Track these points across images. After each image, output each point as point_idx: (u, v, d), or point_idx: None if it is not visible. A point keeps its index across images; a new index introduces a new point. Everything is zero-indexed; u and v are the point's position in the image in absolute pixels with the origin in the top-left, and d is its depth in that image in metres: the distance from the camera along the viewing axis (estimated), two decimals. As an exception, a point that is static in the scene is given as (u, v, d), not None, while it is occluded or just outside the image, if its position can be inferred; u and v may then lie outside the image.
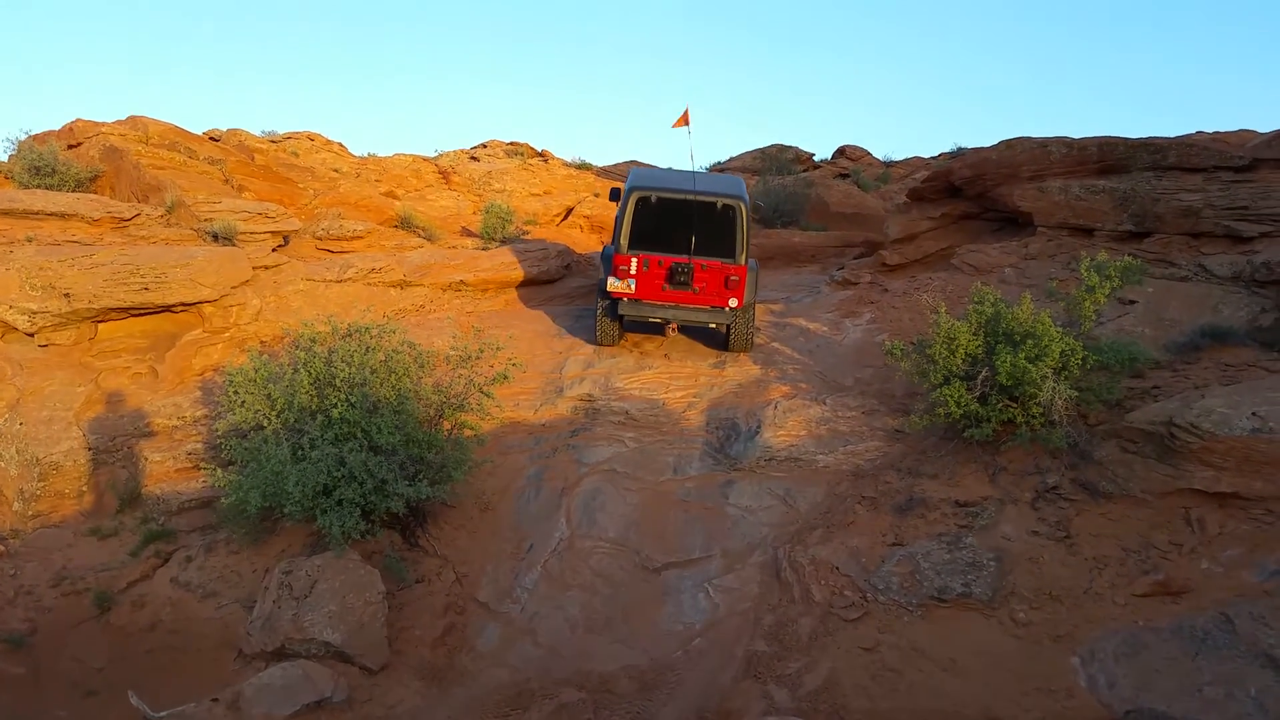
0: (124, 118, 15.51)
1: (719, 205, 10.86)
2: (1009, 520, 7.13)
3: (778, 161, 25.39)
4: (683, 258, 10.91)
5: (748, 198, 11.22)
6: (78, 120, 15.07)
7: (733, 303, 10.98)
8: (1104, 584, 6.40)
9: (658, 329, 11.87)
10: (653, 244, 10.96)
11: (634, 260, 10.91)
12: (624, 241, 10.96)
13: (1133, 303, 9.61)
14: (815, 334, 11.96)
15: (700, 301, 11.03)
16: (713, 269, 10.92)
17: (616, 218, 11.35)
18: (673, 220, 10.91)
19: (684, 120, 13.42)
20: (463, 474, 7.94)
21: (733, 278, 10.91)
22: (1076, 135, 12.19)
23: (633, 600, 7.27)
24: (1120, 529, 6.77)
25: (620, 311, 11.27)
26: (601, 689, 6.39)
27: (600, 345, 11.77)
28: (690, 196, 10.90)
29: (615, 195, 11.90)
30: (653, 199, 10.87)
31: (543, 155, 26.42)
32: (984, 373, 7.81)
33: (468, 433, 8.32)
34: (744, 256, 10.97)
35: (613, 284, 11.01)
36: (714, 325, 11.33)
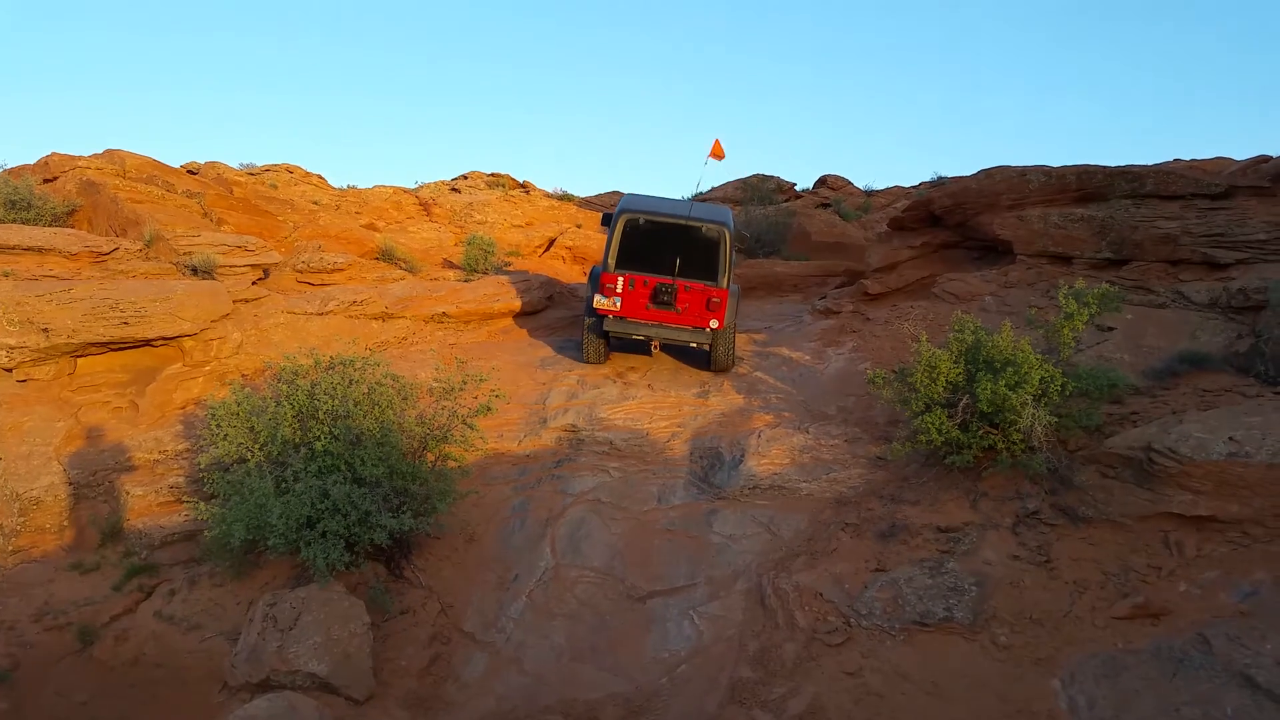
0: (100, 151, 15.56)
1: (704, 230, 11.37)
2: (990, 545, 7.18)
3: (759, 191, 25.58)
4: (667, 279, 11.37)
5: (733, 225, 11.72)
6: (53, 154, 15.09)
7: (714, 324, 11.38)
8: (1084, 607, 6.45)
9: (643, 350, 12.28)
10: (639, 265, 11.44)
11: (620, 279, 11.38)
12: (611, 260, 11.44)
13: (1111, 330, 9.71)
14: (798, 363, 12.04)
15: (683, 321, 11.47)
16: (695, 291, 11.37)
17: (607, 238, 11.77)
18: (659, 243, 11.40)
19: (717, 153, 13.67)
20: (447, 505, 7.94)
21: (714, 300, 11.35)
22: (1055, 164, 12.37)
23: (618, 628, 7.27)
24: (1100, 553, 6.83)
25: (605, 328, 11.66)
26: (588, 716, 6.39)
27: (587, 362, 12.14)
28: (677, 220, 11.43)
29: (606, 220, 12.24)
30: (641, 221, 11.43)
31: (524, 186, 26.56)
32: (965, 400, 7.88)
33: (452, 464, 8.33)
34: (726, 280, 11.42)
35: (599, 301, 11.44)
36: (695, 345, 11.66)
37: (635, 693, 6.61)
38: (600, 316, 11.68)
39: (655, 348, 12.05)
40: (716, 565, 7.81)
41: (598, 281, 11.62)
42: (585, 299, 12.15)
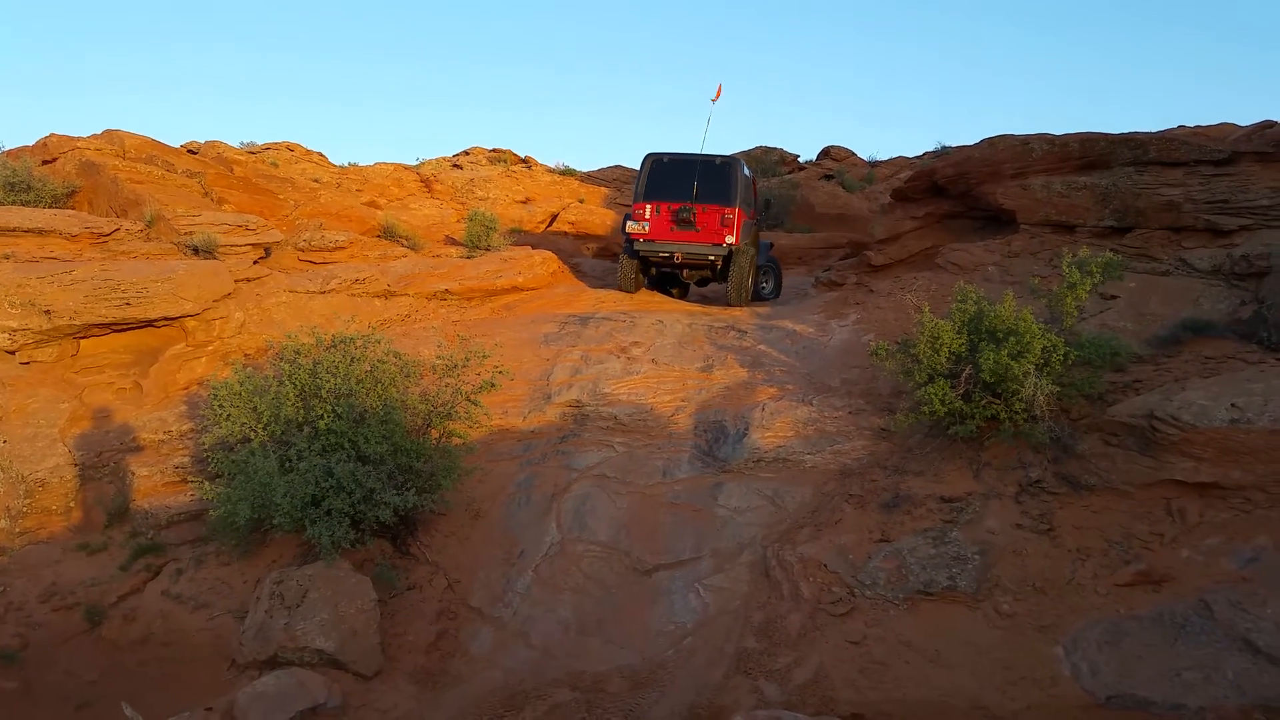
0: (99, 132, 15.51)
1: (716, 161, 13.82)
2: (993, 514, 7.21)
3: (762, 164, 25.47)
4: (687, 202, 13.55)
5: (743, 165, 14.13)
6: (52, 135, 15.02)
7: (729, 239, 13.47)
8: (1087, 574, 6.48)
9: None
10: (664, 195, 13.68)
11: (648, 206, 13.70)
12: (641, 192, 13.82)
13: (1114, 298, 9.68)
14: (802, 335, 12.02)
15: (701, 239, 13.57)
16: (711, 211, 13.49)
17: (637, 178, 14.19)
18: (679, 176, 13.73)
19: (718, 94, 17.24)
20: (452, 482, 7.97)
21: (727, 216, 13.43)
22: (1058, 132, 12.28)
23: (624, 602, 7.32)
24: (1102, 520, 6.85)
25: (637, 249, 13.89)
26: (594, 689, 6.44)
27: (621, 290, 14.35)
28: (692, 156, 13.92)
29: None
30: (665, 159, 13.94)
31: (526, 162, 26.46)
32: (967, 370, 7.87)
33: (456, 441, 8.35)
34: (737, 202, 13.53)
35: (631, 226, 13.82)
36: (712, 258, 13.68)
37: (641, 665, 6.66)
38: (633, 240, 13.81)
39: (678, 258, 13.85)
40: (721, 538, 7.84)
41: (632, 213, 13.92)
42: (622, 230, 14.54)
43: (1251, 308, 8.77)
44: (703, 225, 13.43)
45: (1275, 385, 6.81)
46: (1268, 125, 10.62)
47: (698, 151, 14.42)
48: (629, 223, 13.78)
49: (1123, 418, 7.24)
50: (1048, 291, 8.39)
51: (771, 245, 16.58)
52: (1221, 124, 12.14)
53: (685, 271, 14.72)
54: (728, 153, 15.02)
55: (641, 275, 14.42)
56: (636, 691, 6.40)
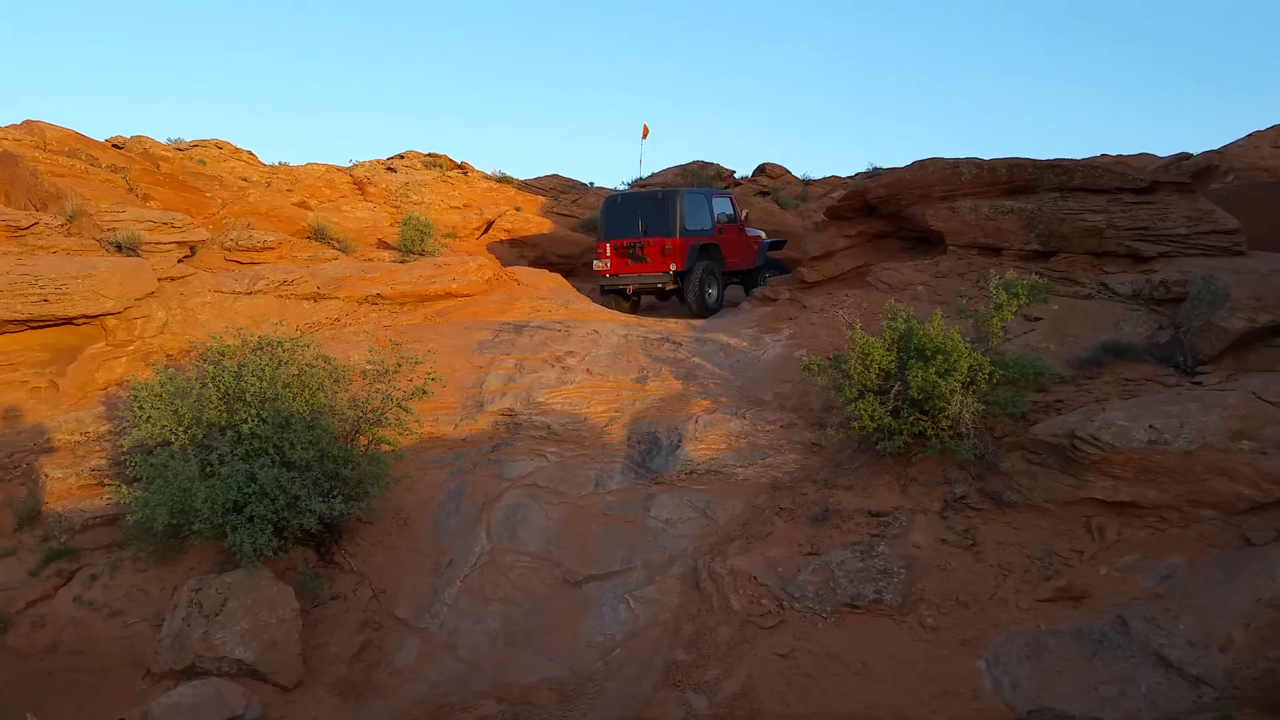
0: (19, 122, 15.07)
1: (659, 196, 15.27)
2: (919, 529, 7.32)
3: (699, 178, 25.56)
4: (634, 238, 14.99)
5: (685, 193, 15.45)
6: (-36, 125, 14.54)
7: (672, 266, 14.74)
8: (1009, 590, 6.62)
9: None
10: (617, 233, 15.22)
11: (607, 246, 15.29)
12: (601, 231, 15.47)
13: (1038, 320, 9.91)
14: (736, 349, 12.10)
15: (649, 270, 14.98)
16: (655, 243, 14.88)
17: (598, 222, 16.12)
18: (629, 213, 15.21)
19: (645, 133, 20.12)
20: (380, 490, 7.86)
21: (668, 247, 14.74)
22: (987, 156, 12.54)
23: (554, 613, 7.27)
24: (1024, 537, 7.01)
25: (601, 284, 15.51)
26: (522, 701, 6.39)
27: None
28: (637, 193, 15.73)
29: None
30: (618, 199, 15.80)
31: (462, 167, 26.21)
32: (896, 387, 7.99)
33: (385, 448, 8.23)
34: (678, 232, 14.78)
35: (595, 264, 15.54)
36: (661, 285, 15.10)
37: (570, 677, 6.63)
38: (600, 276, 15.45)
39: (630, 289, 15.56)
40: (653, 549, 7.84)
41: (596, 252, 15.59)
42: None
43: (1169, 332, 9.05)
44: (650, 257, 14.90)
45: (1191, 408, 7.03)
46: (1184, 157, 11.02)
47: (640, 178, 16.01)
48: (595, 261, 15.50)
49: (1045, 436, 7.42)
50: (975, 312, 8.56)
51: (779, 244, 18.14)
52: (1142, 154, 12.57)
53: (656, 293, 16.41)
54: (664, 167, 15.68)
55: (624, 302, 15.72)
56: (564, 704, 6.36)
